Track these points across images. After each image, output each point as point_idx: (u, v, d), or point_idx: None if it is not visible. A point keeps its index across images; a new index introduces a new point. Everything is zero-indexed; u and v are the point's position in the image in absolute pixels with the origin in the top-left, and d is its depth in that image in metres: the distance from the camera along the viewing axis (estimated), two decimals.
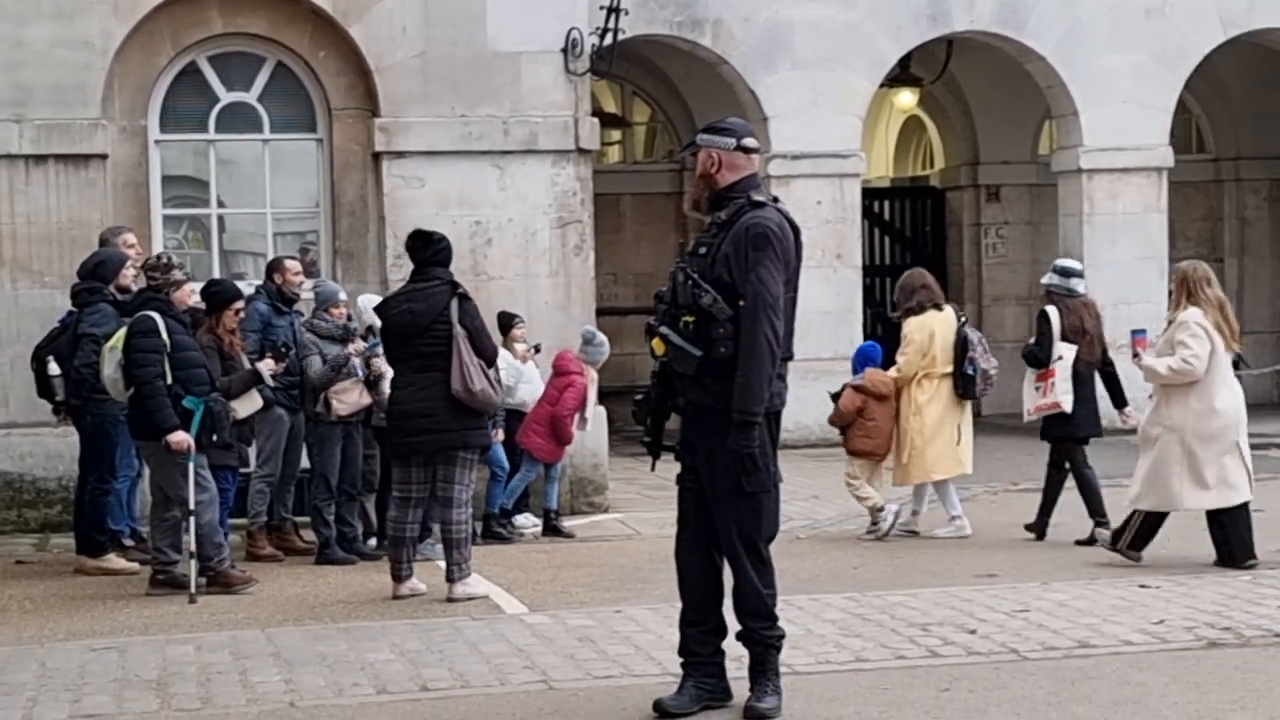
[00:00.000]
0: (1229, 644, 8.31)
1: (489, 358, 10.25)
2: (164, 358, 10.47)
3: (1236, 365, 10.38)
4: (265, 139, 14.23)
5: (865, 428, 12.41)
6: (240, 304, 11.53)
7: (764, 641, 7.06)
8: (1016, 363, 21.44)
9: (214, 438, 10.68)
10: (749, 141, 7.07)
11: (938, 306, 12.45)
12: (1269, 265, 22.33)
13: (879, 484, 12.52)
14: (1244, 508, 10.78)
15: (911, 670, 7.89)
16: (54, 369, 11.49)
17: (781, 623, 7.12)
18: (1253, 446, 17.06)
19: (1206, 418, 10.73)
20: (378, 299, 11.30)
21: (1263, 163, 22.19)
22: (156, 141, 14.00)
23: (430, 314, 10.08)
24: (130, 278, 11.64)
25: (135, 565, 11.45)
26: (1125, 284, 18.59)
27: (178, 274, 10.95)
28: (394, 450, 10.53)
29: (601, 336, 13.28)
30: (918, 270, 12.93)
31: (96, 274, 11.52)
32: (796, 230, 7.03)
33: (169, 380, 10.47)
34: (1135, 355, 11.28)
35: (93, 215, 13.47)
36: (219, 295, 11.42)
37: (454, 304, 10.09)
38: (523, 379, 13.05)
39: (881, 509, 12.27)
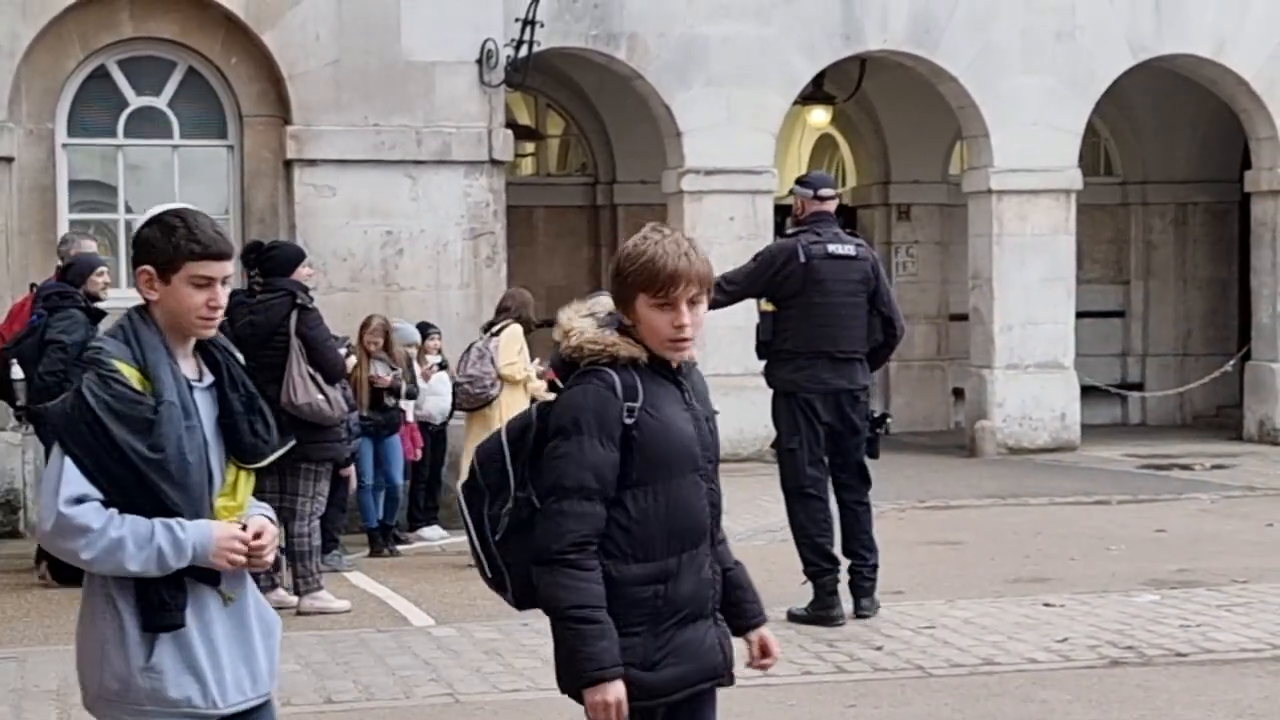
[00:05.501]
0: (1131, 662, 8.38)
1: (328, 371, 10.10)
2: None
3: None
4: (175, 144, 14.11)
5: None
6: None
7: None
8: (924, 380, 21.77)
9: None
10: (824, 191, 9.68)
11: None
12: (1173, 288, 22.59)
13: None
14: None
15: (818, 686, 7.91)
16: (16, 372, 11.16)
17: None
18: (1156, 467, 17.38)
19: None
20: None
21: (1168, 187, 22.45)
22: (64, 145, 13.84)
23: (269, 325, 10.00)
24: (100, 285, 11.23)
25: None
26: (1033, 305, 18.76)
27: None
28: None
29: None
30: None
31: (66, 278, 11.25)
32: (830, 256, 9.35)
33: None
34: None
35: None
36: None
37: (293, 315, 10.02)
38: (430, 391, 12.96)
39: None
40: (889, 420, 11.31)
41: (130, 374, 3.93)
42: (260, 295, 10.18)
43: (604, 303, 4.14)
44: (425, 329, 13.22)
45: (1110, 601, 10.05)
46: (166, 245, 3.99)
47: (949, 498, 15.31)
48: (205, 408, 4.04)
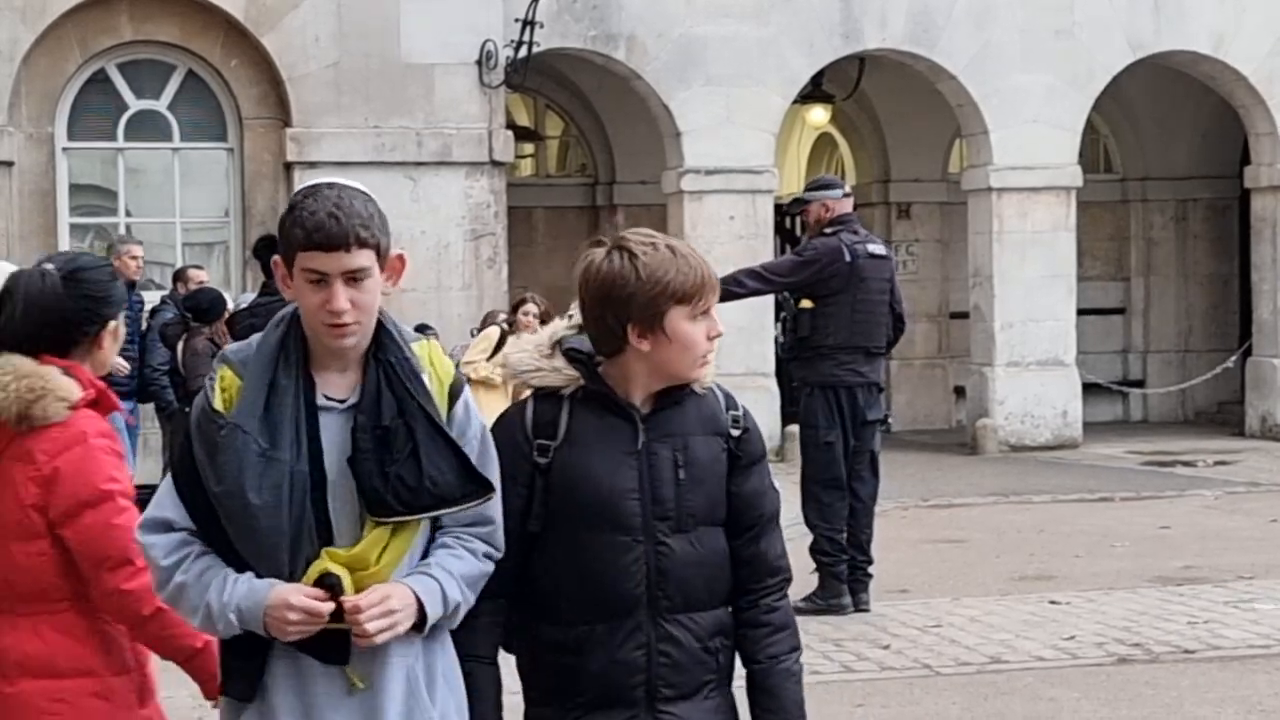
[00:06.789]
0: (1139, 660, 8.37)
1: None
2: None
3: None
4: (175, 148, 14.10)
5: None
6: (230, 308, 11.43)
7: None
8: (926, 378, 21.75)
9: None
10: (848, 189, 10.23)
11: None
12: (1174, 284, 22.57)
13: None
14: None
15: (826, 686, 7.89)
16: None
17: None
18: (1158, 464, 17.36)
19: None
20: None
21: (1168, 183, 22.43)
22: (64, 149, 13.83)
23: None
24: None
25: None
26: (1034, 302, 18.75)
27: None
28: None
29: None
30: None
31: None
32: (871, 255, 9.72)
33: None
34: None
35: None
36: (217, 304, 11.22)
37: None
38: None
39: None
40: (890, 419, 11.43)
41: (228, 381, 3.17)
42: (261, 297, 10.15)
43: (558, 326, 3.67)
44: (423, 330, 13.19)
45: (1116, 599, 10.04)
46: (281, 229, 3.20)
47: (952, 496, 15.29)
48: (339, 436, 3.21)
